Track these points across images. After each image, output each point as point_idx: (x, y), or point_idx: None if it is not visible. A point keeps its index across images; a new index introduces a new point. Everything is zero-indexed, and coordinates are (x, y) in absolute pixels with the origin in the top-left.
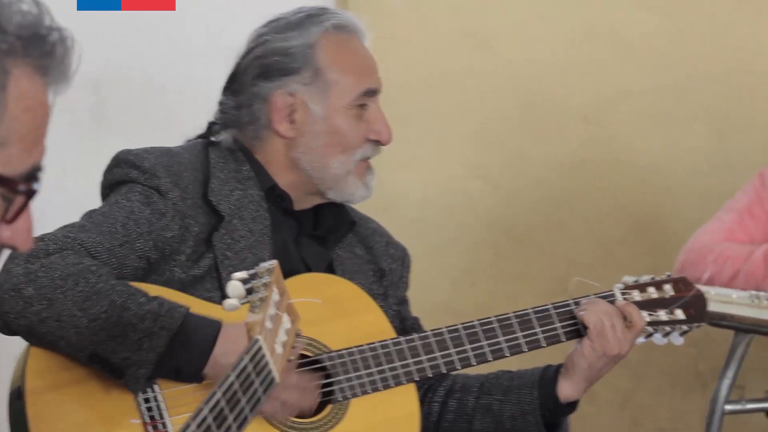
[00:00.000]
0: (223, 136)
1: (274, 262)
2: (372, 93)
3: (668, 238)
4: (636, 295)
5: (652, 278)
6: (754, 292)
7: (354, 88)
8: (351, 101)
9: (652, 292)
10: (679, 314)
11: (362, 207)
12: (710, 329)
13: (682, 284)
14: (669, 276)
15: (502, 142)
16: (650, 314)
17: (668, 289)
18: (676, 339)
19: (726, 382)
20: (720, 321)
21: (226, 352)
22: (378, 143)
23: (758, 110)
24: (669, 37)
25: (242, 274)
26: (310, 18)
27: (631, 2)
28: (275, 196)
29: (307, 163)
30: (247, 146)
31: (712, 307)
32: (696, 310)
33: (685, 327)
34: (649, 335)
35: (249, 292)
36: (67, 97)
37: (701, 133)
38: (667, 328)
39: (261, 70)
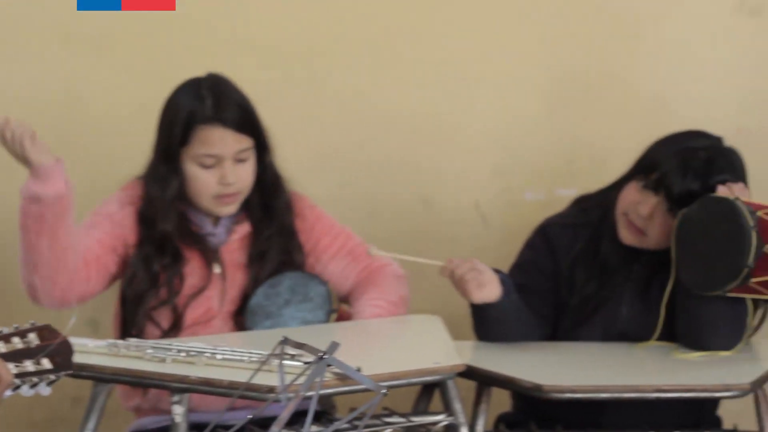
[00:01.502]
0: None
1: None
2: None
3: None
4: (1, 347)
5: (16, 327)
6: (111, 341)
7: None
8: None
9: (17, 342)
10: (46, 363)
11: None
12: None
13: (47, 332)
14: (33, 324)
15: None
16: (17, 365)
17: (33, 338)
18: (44, 389)
19: None
20: (80, 372)
21: None
22: None
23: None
24: None
25: None
26: None
27: None
28: None
29: None
30: None
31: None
32: (62, 357)
33: (52, 376)
34: (17, 387)
35: None
36: None
37: None
38: (35, 379)
39: None
